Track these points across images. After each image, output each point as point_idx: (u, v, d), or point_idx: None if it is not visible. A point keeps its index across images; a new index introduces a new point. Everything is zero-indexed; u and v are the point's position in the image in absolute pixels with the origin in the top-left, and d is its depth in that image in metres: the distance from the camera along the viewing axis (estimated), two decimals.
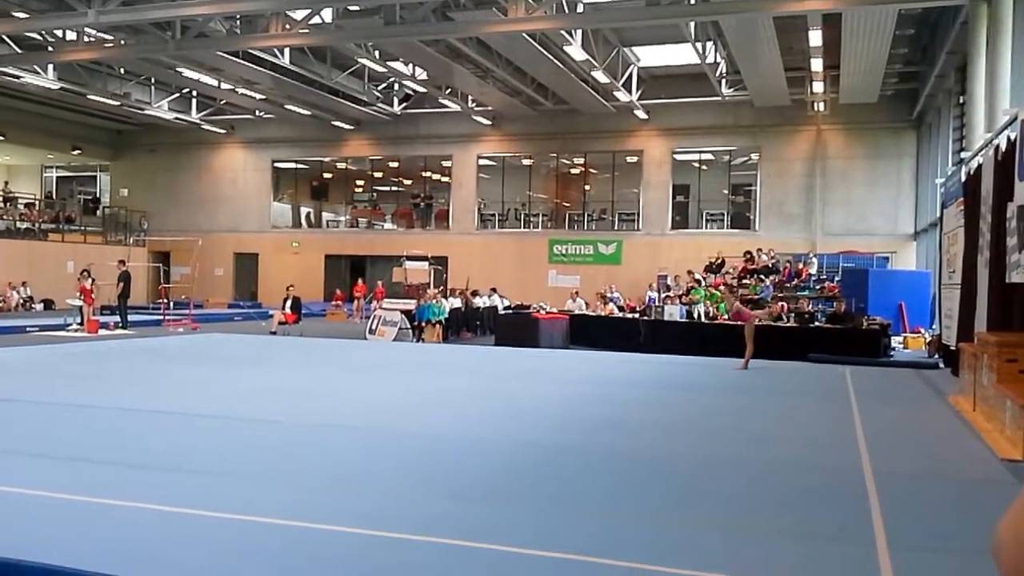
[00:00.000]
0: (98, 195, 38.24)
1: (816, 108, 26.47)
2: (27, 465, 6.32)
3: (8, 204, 32.35)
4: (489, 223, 32.24)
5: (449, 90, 27.83)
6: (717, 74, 24.73)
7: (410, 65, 25.31)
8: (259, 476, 6.15)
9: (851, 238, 26.71)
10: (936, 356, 16.88)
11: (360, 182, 35.57)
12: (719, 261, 24.35)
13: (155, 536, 4.66)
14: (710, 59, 23.06)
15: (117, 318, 21.45)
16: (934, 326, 19.36)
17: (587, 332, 20.23)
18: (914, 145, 27.10)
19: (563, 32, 19.71)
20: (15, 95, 29.44)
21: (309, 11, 18.64)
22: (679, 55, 24.88)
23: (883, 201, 27.27)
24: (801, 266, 23.16)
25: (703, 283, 21.76)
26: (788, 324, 18.60)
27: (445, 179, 32.85)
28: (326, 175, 35.54)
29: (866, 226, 27.17)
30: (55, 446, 7.06)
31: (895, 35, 19.57)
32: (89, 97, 28.48)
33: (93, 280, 20.42)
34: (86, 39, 21.61)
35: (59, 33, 21.86)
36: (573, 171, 32.38)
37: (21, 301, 27.81)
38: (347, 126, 32.33)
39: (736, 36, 20.56)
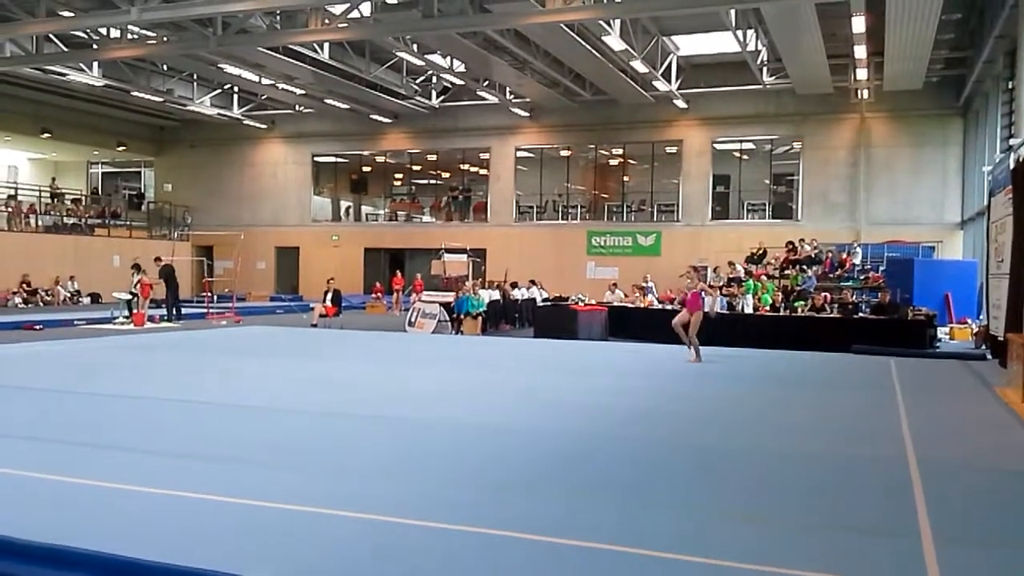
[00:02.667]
0: (143, 190, 38.92)
1: (860, 95, 26.02)
2: (87, 456, 6.46)
3: (55, 200, 33.05)
4: (527, 215, 32.23)
5: (487, 82, 27.84)
6: (758, 62, 24.41)
7: (448, 58, 25.35)
8: (297, 465, 6.22)
9: (896, 227, 26.25)
10: (983, 347, 16.54)
11: (399, 175, 35.75)
12: (761, 252, 24.07)
13: (213, 525, 4.74)
14: (751, 47, 22.77)
15: (163, 311, 21.82)
16: (981, 316, 18.95)
17: (626, 324, 20.14)
18: (960, 132, 26.54)
19: (601, 22, 19.59)
20: (61, 93, 30.08)
21: (348, 5, 18.69)
22: (719, 43, 24.62)
23: (929, 190, 26.77)
24: (845, 256, 22.81)
25: (749, 274, 21.59)
26: (831, 315, 18.35)
27: (483, 171, 32.89)
28: (365, 169, 35.77)
29: (911, 215, 26.70)
30: (114, 437, 7.20)
31: (941, 19, 19.12)
32: (133, 94, 28.97)
33: (145, 273, 20.81)
34: (129, 36, 21.94)
35: (103, 31, 22.23)
36: (612, 162, 32.21)
37: (69, 295, 28.40)
38: (386, 120, 32.51)
39: (777, 23, 20.28)
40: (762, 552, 4.46)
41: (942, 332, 19.21)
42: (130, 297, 20.54)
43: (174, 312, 22.11)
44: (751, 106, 28.20)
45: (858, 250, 23.40)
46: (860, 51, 21.57)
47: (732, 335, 17.73)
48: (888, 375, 12.79)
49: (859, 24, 19.01)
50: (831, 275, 21.93)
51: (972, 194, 24.36)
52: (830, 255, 22.98)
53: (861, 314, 18.35)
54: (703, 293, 14.82)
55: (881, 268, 22.42)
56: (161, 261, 22.70)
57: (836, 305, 19.01)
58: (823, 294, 19.38)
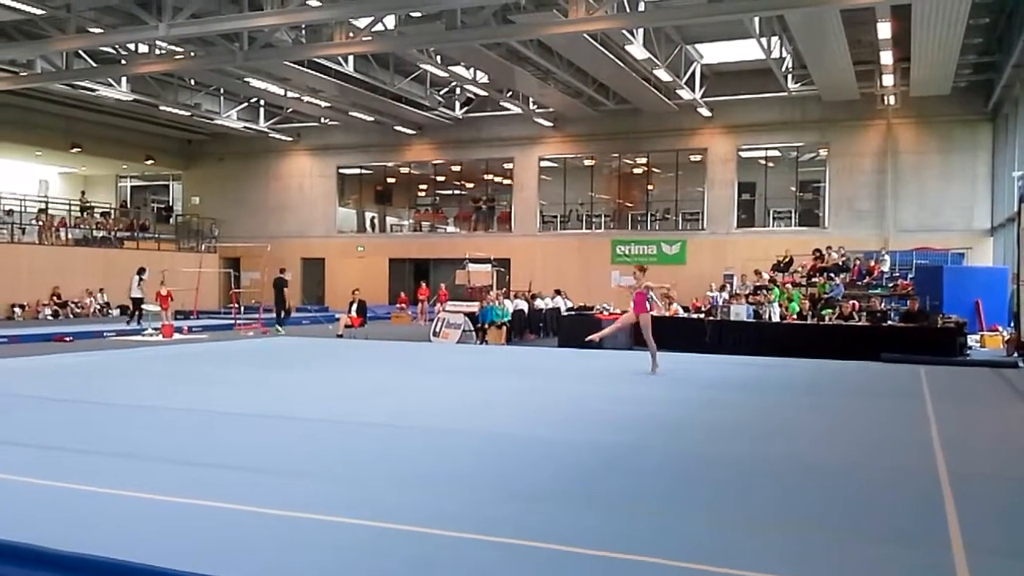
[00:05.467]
0: (171, 203, 39.37)
1: (886, 102, 25.83)
2: (115, 466, 6.52)
3: (85, 213, 33.52)
4: (551, 224, 32.24)
5: (510, 93, 27.93)
6: (783, 69, 24.29)
7: (471, 69, 25.47)
8: (327, 475, 6.25)
9: (925, 234, 25.96)
10: (1015, 355, 16.32)
11: (423, 186, 35.90)
12: (787, 260, 23.91)
13: (237, 534, 4.77)
14: (775, 54, 22.66)
15: (190, 323, 22.08)
16: (1012, 324, 18.70)
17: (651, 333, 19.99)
18: (989, 138, 26.23)
19: (624, 31, 19.59)
20: (91, 108, 30.57)
21: (372, 19, 18.86)
22: (743, 51, 24.56)
23: (958, 196, 26.47)
24: (873, 264, 22.58)
25: (776, 282, 21.45)
26: (860, 323, 18.18)
27: (507, 181, 32.96)
28: (390, 180, 35.97)
29: (940, 222, 26.41)
30: (139, 447, 7.27)
31: (968, 24, 18.94)
32: (161, 108, 29.37)
33: (162, 283, 21.14)
34: (157, 52, 22.26)
35: (132, 47, 22.55)
36: (635, 171, 32.14)
37: (98, 307, 28.75)
38: (410, 131, 32.69)
39: (802, 30, 20.18)
40: (791, 563, 4.43)
41: (972, 340, 18.94)
42: (132, 303, 21.66)
43: (281, 319, 23.16)
44: (776, 113, 28.07)
45: (886, 257, 23.16)
46: (886, 57, 21.42)
47: (759, 344, 17.63)
48: (918, 384, 12.64)
49: (885, 30, 18.89)
50: (859, 283, 21.71)
51: (1002, 200, 24.03)
52: (858, 262, 22.77)
53: (890, 322, 18.18)
54: (648, 292, 13.57)
55: (910, 275, 22.18)
56: (284, 272, 24.19)
57: (864, 313, 18.84)
58: (851, 302, 19.20)
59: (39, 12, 19.14)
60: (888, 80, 23.85)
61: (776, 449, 7.67)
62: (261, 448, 7.29)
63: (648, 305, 13.40)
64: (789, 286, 21.29)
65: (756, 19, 20.10)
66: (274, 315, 23.35)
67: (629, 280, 13.57)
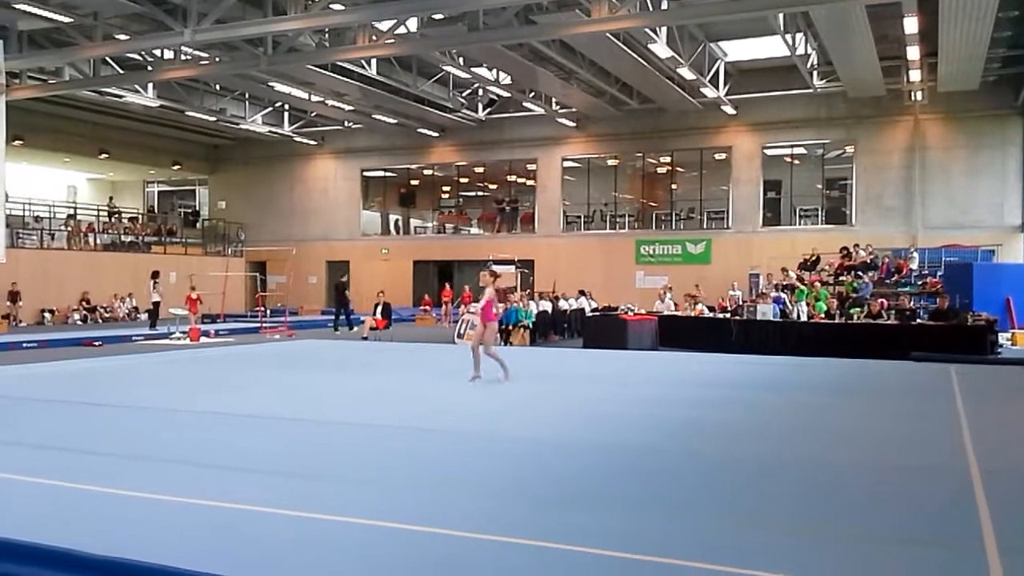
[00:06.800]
0: (197, 208, 39.74)
1: (913, 97, 25.53)
2: (142, 469, 6.57)
3: (113, 218, 33.91)
4: (575, 225, 32.18)
5: (533, 93, 27.91)
6: (808, 66, 24.07)
7: (494, 70, 25.49)
8: (349, 478, 6.26)
9: (954, 231, 25.64)
10: None
11: (446, 188, 35.97)
12: (814, 258, 23.70)
13: (259, 537, 4.79)
14: (800, 51, 22.46)
15: (217, 326, 22.28)
16: None
17: (677, 333, 19.95)
18: (1020, 133, 25.84)
19: (647, 30, 19.50)
20: (119, 114, 30.92)
21: (395, 22, 18.93)
22: (768, 48, 24.39)
23: (987, 192, 26.09)
24: (901, 261, 22.33)
25: (803, 281, 21.27)
26: (889, 322, 17.97)
27: (530, 182, 32.94)
28: (413, 182, 36.06)
29: (969, 218, 26.05)
30: (166, 450, 7.32)
31: (997, 17, 18.67)
32: (187, 114, 29.66)
33: (192, 288, 21.35)
34: (183, 58, 22.46)
35: (158, 53, 22.77)
36: (659, 170, 32.00)
37: (127, 312, 29.05)
38: (433, 133, 32.76)
39: (827, 26, 19.99)
40: (816, 565, 4.37)
41: (1003, 338, 18.69)
42: (151, 307, 22.56)
43: (343, 323, 24.21)
44: (801, 110, 27.83)
45: (915, 255, 22.91)
46: (913, 52, 21.18)
47: (786, 343, 17.50)
48: (948, 382, 12.47)
49: (911, 25, 18.66)
50: (887, 281, 21.48)
51: None
52: (886, 260, 22.54)
53: (919, 320, 17.96)
54: (495, 301, 12.46)
55: (939, 273, 21.92)
56: (344, 278, 25.48)
57: (893, 311, 18.63)
58: (880, 300, 19.00)
59: (67, 20, 19.43)
60: (915, 75, 23.58)
61: (802, 449, 7.59)
62: (283, 451, 7.31)
63: (495, 312, 12.41)
64: (817, 284, 21.10)
65: (780, 15, 19.94)
66: (333, 318, 24.80)
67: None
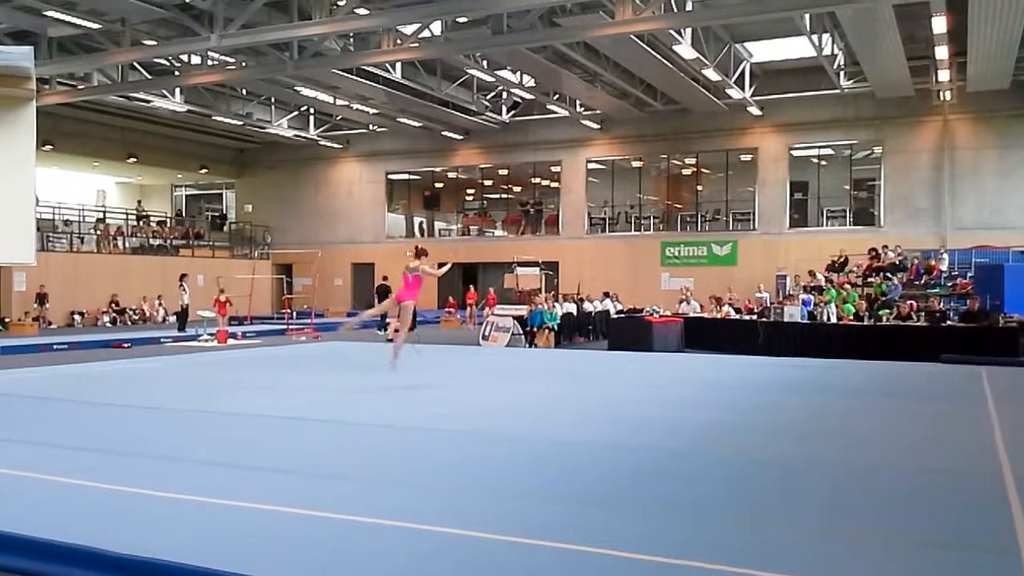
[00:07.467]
0: (224, 211, 40.08)
1: (942, 97, 25.23)
2: (167, 469, 6.62)
3: (141, 222, 34.30)
4: (599, 227, 32.10)
5: (557, 96, 27.89)
6: (835, 66, 23.85)
7: (518, 73, 25.50)
8: (375, 479, 6.27)
9: (984, 232, 25.26)
10: None
11: (471, 190, 36.02)
12: (842, 260, 23.47)
13: (285, 537, 4.81)
14: (827, 51, 22.26)
15: (244, 328, 22.45)
16: None
17: (702, 335, 19.84)
18: None
19: (672, 31, 19.42)
20: (146, 119, 31.28)
21: (419, 25, 19.00)
22: (794, 48, 24.20)
23: (1018, 192, 25.69)
24: (931, 263, 22.05)
25: (832, 283, 21.09)
26: (918, 323, 17.75)
27: (554, 184, 32.91)
28: (438, 185, 36.15)
29: (1000, 219, 25.67)
30: (193, 451, 7.37)
31: None
32: (214, 118, 29.94)
33: (221, 291, 21.55)
34: (210, 63, 22.68)
35: (185, 58, 23.03)
36: (684, 172, 31.86)
37: (155, 314, 29.34)
38: (457, 136, 32.82)
39: (854, 26, 19.81)
40: (843, 569, 4.31)
41: None
42: (179, 310, 22.73)
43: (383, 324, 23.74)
44: (828, 111, 27.59)
45: (945, 256, 22.61)
46: (941, 52, 20.90)
47: (815, 345, 17.33)
48: (979, 385, 12.30)
49: (940, 24, 18.43)
50: (917, 282, 21.21)
51: None
52: (915, 262, 22.25)
53: (949, 322, 17.72)
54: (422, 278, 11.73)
55: (969, 274, 21.59)
56: (386, 280, 24.81)
57: (923, 313, 18.41)
58: (909, 302, 18.77)
59: (95, 26, 19.68)
60: (944, 75, 23.29)
61: (829, 452, 7.50)
62: (310, 452, 7.33)
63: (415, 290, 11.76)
64: (846, 286, 20.89)
65: (806, 16, 19.77)
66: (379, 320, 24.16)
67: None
